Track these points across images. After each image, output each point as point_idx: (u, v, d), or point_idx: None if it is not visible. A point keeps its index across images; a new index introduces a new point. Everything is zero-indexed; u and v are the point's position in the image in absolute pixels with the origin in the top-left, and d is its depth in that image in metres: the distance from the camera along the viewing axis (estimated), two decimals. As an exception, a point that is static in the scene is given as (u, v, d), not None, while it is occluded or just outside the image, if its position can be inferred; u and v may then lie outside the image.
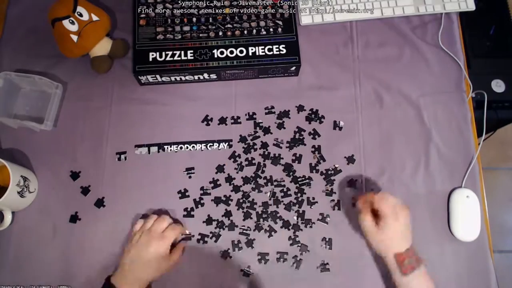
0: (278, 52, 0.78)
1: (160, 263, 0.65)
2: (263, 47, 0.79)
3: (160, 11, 0.80)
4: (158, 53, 0.77)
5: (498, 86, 0.92)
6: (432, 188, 0.76)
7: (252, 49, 0.78)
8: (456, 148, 0.78)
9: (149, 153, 0.77)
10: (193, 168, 0.76)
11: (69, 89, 0.82)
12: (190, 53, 0.78)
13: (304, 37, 0.84)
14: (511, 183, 1.56)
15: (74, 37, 0.75)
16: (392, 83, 0.82)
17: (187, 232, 0.72)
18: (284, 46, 0.79)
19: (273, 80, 0.82)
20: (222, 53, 0.78)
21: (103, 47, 0.80)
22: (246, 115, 0.80)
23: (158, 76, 0.78)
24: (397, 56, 0.85)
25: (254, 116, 0.80)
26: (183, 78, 0.79)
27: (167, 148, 0.78)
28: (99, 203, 0.74)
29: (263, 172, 0.77)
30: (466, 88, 0.83)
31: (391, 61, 0.84)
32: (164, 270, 0.66)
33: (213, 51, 0.78)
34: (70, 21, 0.74)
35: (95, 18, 0.77)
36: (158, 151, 0.77)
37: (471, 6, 0.87)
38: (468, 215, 0.72)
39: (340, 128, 0.79)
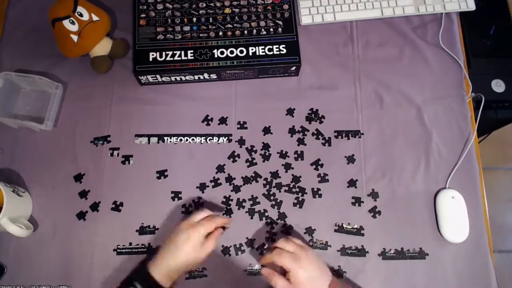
0: (278, 52, 0.78)
1: (191, 253, 0.62)
2: (263, 47, 0.79)
3: (160, 11, 0.81)
4: (158, 53, 0.78)
5: (498, 86, 0.92)
6: (432, 188, 0.76)
7: (252, 49, 0.78)
8: (456, 148, 0.78)
9: (148, 143, 0.78)
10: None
11: (69, 89, 0.82)
12: (190, 53, 0.78)
13: (304, 37, 0.84)
14: (511, 183, 1.56)
15: (74, 37, 0.75)
16: (392, 83, 0.82)
17: (228, 225, 0.70)
18: (284, 46, 0.79)
19: (273, 80, 0.82)
20: (222, 53, 0.78)
21: (103, 47, 0.80)
22: (246, 115, 0.80)
23: (158, 76, 0.78)
24: (397, 56, 0.85)
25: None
26: (183, 78, 0.80)
27: (167, 139, 0.78)
28: (99, 203, 0.74)
29: (263, 172, 0.77)
30: (467, 88, 0.83)
31: (391, 61, 0.84)
32: (196, 260, 0.63)
33: (213, 51, 0.78)
34: (70, 21, 0.74)
35: (95, 18, 0.77)
36: (158, 142, 0.78)
37: (471, 6, 0.87)
38: (455, 216, 0.72)
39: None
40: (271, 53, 0.78)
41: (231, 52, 0.78)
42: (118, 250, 0.72)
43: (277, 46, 0.79)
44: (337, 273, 0.71)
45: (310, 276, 0.59)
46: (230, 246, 0.72)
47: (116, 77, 0.82)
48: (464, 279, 0.71)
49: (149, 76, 0.78)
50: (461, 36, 0.87)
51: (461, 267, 0.72)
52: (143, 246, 0.72)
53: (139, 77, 0.78)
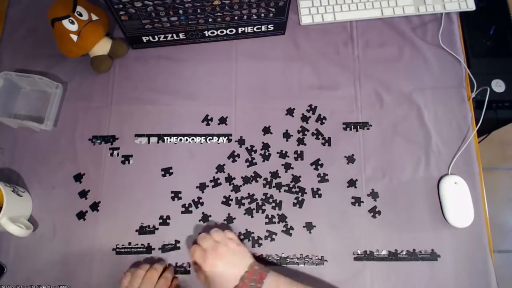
0: (266, 30, 0.82)
1: None
2: (252, 26, 0.80)
3: (140, 8, 0.72)
4: (150, 37, 0.80)
5: (498, 86, 0.92)
6: (433, 188, 0.76)
7: (241, 29, 0.81)
8: (456, 148, 0.78)
9: (148, 143, 0.78)
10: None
11: (69, 89, 0.82)
12: (182, 34, 0.80)
13: (304, 37, 0.84)
14: (511, 183, 1.56)
15: (74, 37, 0.75)
16: (392, 83, 0.82)
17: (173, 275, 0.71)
18: (272, 25, 0.80)
19: (273, 80, 0.83)
20: (212, 33, 0.80)
21: (103, 46, 0.80)
22: (246, 115, 0.80)
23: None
24: (397, 56, 0.85)
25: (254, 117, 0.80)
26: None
27: (167, 139, 0.78)
28: (99, 203, 0.74)
29: (263, 172, 0.77)
30: (467, 88, 0.83)
31: (391, 61, 0.84)
32: None
33: (204, 32, 0.80)
34: (70, 20, 0.74)
35: (94, 17, 0.77)
36: (158, 142, 0.78)
37: (471, 6, 0.87)
38: (459, 201, 0.73)
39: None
40: (259, 30, 0.81)
41: (221, 31, 0.80)
42: (117, 250, 0.72)
43: (266, 25, 0.81)
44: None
45: (215, 272, 0.61)
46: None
47: (116, 77, 0.82)
48: (464, 279, 0.71)
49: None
50: (461, 36, 0.87)
51: (461, 267, 0.72)
52: (143, 246, 0.72)
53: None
